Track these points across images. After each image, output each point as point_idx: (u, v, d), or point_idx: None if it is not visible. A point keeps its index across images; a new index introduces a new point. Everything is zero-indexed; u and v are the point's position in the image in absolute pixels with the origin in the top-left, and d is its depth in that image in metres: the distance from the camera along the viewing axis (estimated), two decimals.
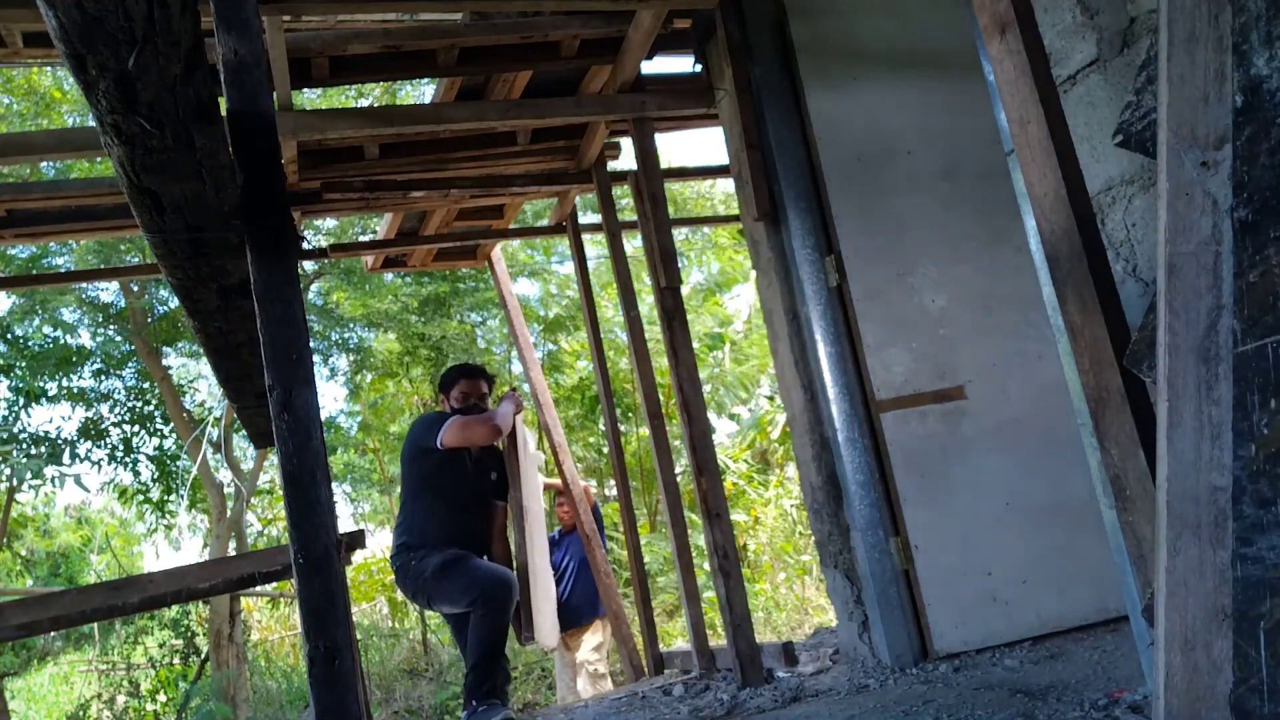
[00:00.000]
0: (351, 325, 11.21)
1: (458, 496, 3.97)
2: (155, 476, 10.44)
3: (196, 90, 1.57)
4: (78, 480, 10.09)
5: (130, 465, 10.28)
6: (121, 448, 10.21)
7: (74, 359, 10.05)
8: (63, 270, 9.48)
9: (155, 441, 10.52)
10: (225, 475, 10.97)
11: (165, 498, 10.50)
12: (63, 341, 10.14)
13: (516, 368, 10.38)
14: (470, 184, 4.71)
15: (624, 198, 5.50)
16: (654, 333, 5.02)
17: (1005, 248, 3.39)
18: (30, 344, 9.72)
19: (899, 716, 2.53)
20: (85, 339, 10.60)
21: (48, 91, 9.17)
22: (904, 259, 3.42)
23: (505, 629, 3.69)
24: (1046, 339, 3.21)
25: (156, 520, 10.66)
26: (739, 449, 10.61)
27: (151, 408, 10.58)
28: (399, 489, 4.20)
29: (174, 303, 9.51)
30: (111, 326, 10.50)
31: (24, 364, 9.46)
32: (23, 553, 12.74)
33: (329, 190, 4.53)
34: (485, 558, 3.97)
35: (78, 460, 9.85)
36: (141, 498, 10.41)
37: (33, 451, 9.64)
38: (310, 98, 9.00)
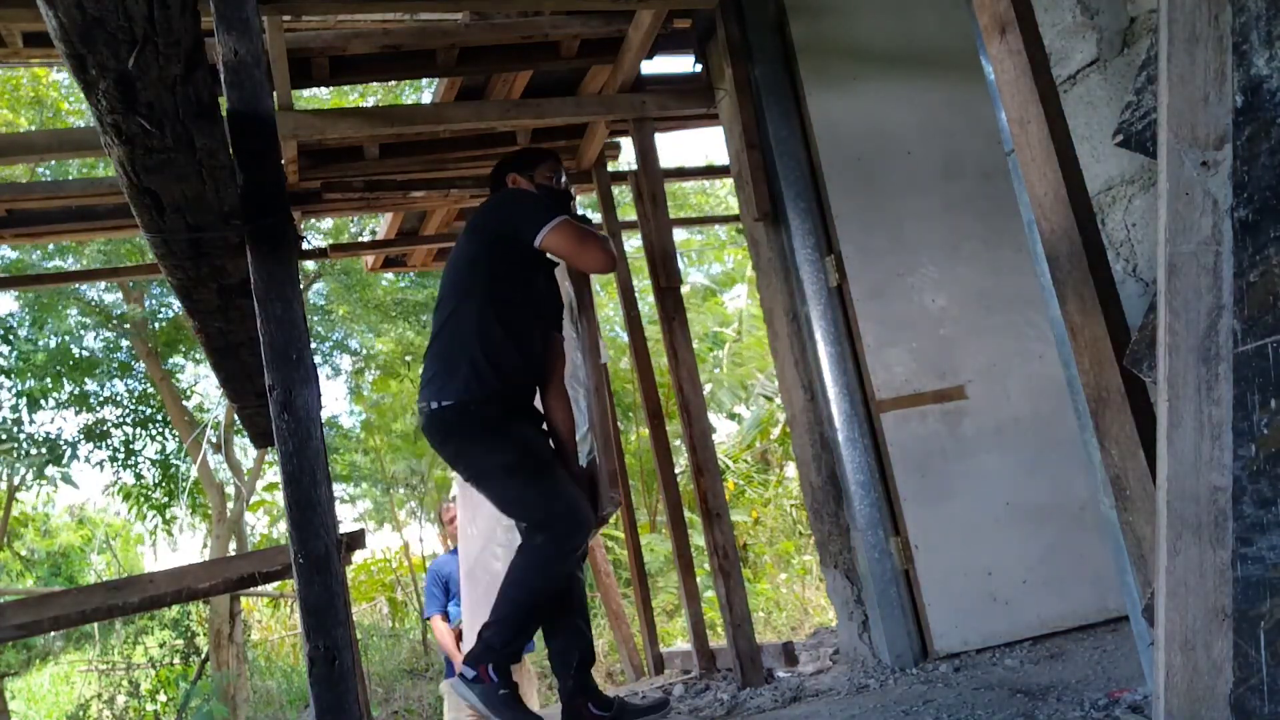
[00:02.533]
0: (353, 327, 11.24)
1: (534, 320, 2.88)
2: (158, 479, 10.46)
3: (196, 90, 1.57)
4: (68, 478, 10.11)
5: (133, 467, 10.30)
6: (123, 450, 10.22)
7: (79, 366, 10.07)
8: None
9: (157, 444, 10.54)
10: (225, 475, 10.98)
11: (167, 500, 10.52)
12: (67, 345, 10.16)
13: None
14: (470, 184, 4.71)
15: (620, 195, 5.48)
16: (654, 333, 5.02)
17: (1005, 248, 3.39)
18: (35, 348, 9.73)
19: (899, 716, 2.53)
20: (89, 341, 10.63)
21: (54, 103, 9.22)
22: (904, 259, 3.42)
23: (560, 579, 2.74)
24: (1046, 339, 3.21)
25: (159, 522, 10.68)
26: (739, 449, 10.62)
27: (153, 410, 10.60)
28: (439, 307, 2.90)
29: (176, 306, 9.53)
30: (114, 330, 10.53)
31: (29, 369, 9.47)
32: (23, 553, 12.75)
33: (329, 190, 4.53)
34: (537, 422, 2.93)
35: (78, 461, 9.87)
36: (145, 499, 10.43)
37: (34, 452, 9.65)
38: (320, 96, 9.04)
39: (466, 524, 3.97)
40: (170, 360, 10.58)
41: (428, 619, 5.04)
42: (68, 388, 10.03)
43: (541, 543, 2.69)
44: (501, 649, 2.69)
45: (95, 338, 10.67)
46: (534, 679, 4.92)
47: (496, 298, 2.79)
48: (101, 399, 10.40)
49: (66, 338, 10.18)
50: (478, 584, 3.85)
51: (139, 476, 10.33)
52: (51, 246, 9.34)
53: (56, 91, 9.22)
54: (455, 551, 4.87)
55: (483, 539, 3.85)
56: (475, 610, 3.91)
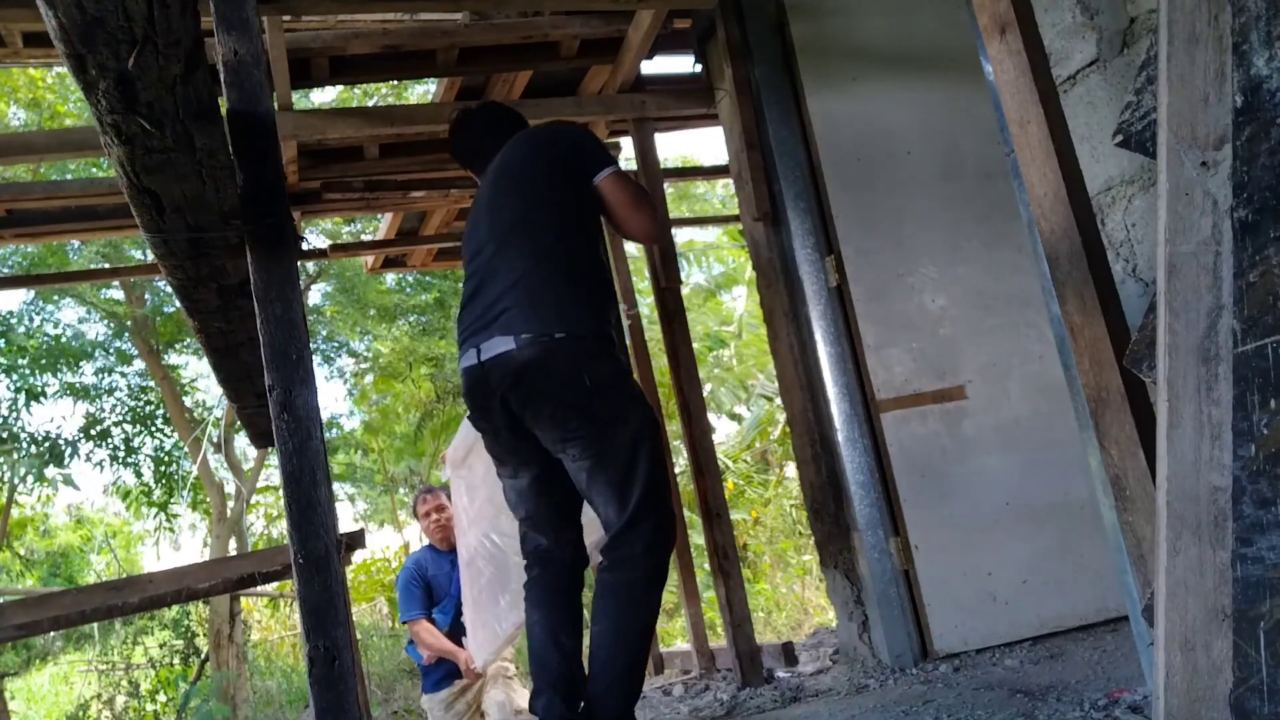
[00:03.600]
0: (351, 331, 11.26)
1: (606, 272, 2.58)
2: (158, 478, 10.47)
3: (196, 90, 1.57)
4: (69, 480, 10.10)
5: (133, 466, 10.31)
6: (122, 448, 10.23)
7: (76, 357, 10.08)
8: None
9: (156, 442, 10.55)
10: (226, 474, 10.99)
11: (167, 499, 10.53)
12: (65, 339, 10.17)
13: None
14: (470, 184, 4.71)
15: None
16: (654, 333, 5.02)
17: (1005, 248, 3.39)
18: (34, 338, 9.75)
19: (899, 716, 2.53)
20: (92, 334, 10.66)
21: (52, 105, 9.25)
22: (904, 259, 3.42)
23: (659, 603, 2.43)
24: (1046, 339, 3.21)
25: (160, 522, 10.68)
26: (739, 449, 10.62)
27: (152, 408, 10.61)
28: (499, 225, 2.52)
29: (177, 303, 9.54)
30: (115, 325, 10.55)
31: (26, 360, 9.48)
32: (22, 552, 12.76)
33: (329, 190, 4.54)
34: None
35: (78, 459, 9.88)
36: (145, 499, 10.44)
37: (33, 451, 9.66)
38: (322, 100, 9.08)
39: (462, 512, 3.86)
40: (172, 356, 10.60)
41: (406, 622, 4.49)
42: (62, 375, 10.04)
43: (640, 553, 2.30)
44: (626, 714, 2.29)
45: (96, 335, 10.70)
46: (515, 679, 4.56)
47: (594, 230, 2.52)
48: (100, 391, 10.41)
49: (63, 326, 10.22)
50: (480, 575, 3.69)
51: (139, 474, 10.34)
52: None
53: (54, 93, 9.24)
54: (433, 548, 4.59)
55: (482, 524, 3.63)
56: (478, 605, 3.77)
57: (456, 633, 4.21)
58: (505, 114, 2.94)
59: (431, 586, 4.50)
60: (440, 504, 4.59)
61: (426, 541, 4.73)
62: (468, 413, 2.64)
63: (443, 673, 4.44)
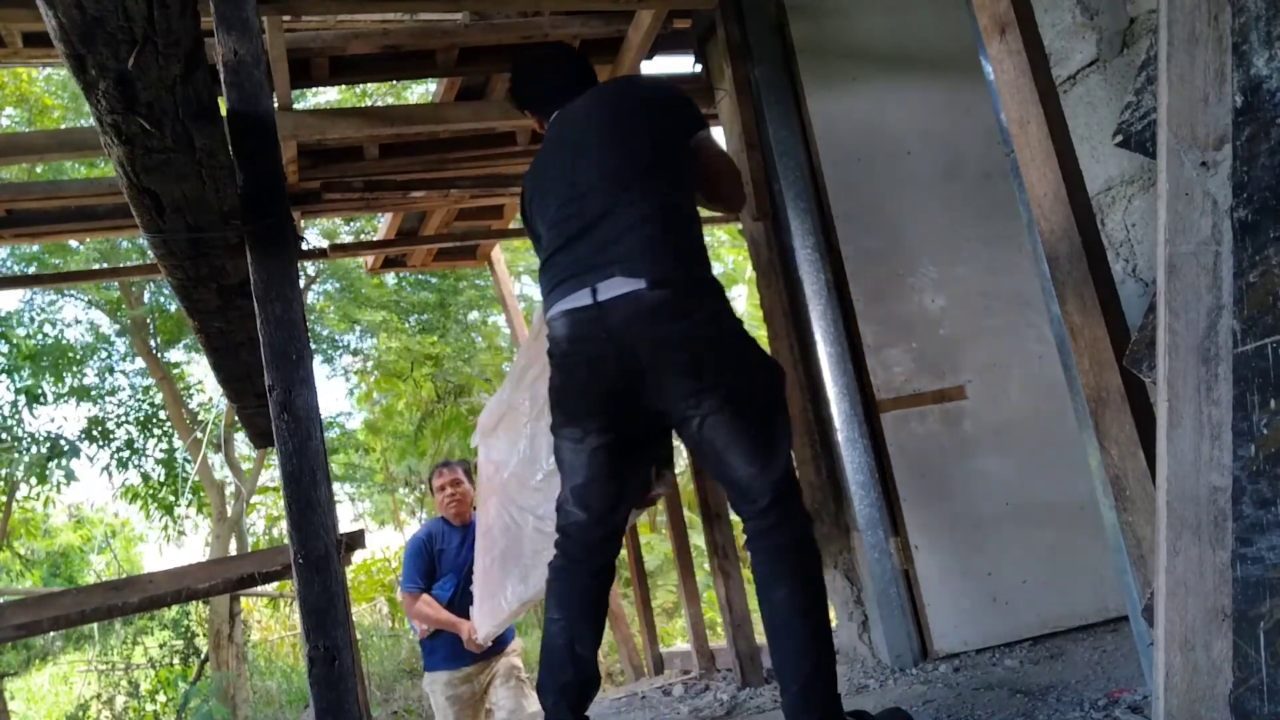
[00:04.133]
0: (354, 328, 11.28)
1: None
2: (163, 479, 10.48)
3: (196, 90, 1.57)
4: (69, 475, 10.08)
5: (138, 467, 10.32)
6: (126, 449, 10.24)
7: (78, 357, 10.09)
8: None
9: (159, 443, 10.57)
10: (226, 474, 11.00)
11: (174, 499, 10.54)
12: (64, 339, 10.18)
13: None
14: (470, 184, 4.72)
15: None
16: None
17: (1005, 248, 3.39)
18: (32, 339, 9.76)
19: None
20: (87, 331, 10.66)
21: (40, 99, 9.26)
22: (904, 259, 3.43)
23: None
24: (1046, 339, 3.21)
25: (167, 523, 10.69)
26: None
27: (155, 408, 10.63)
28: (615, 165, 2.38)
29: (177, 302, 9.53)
30: (117, 325, 10.56)
31: (29, 365, 9.49)
32: (22, 552, 12.76)
33: (329, 190, 4.54)
34: None
35: (78, 459, 9.89)
36: (153, 500, 10.45)
37: (34, 452, 9.66)
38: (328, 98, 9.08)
39: (486, 480, 3.66)
40: (175, 354, 10.61)
41: (405, 593, 4.36)
42: (66, 381, 10.04)
43: (784, 517, 2.17)
44: (836, 695, 2.12)
45: (99, 329, 10.70)
46: (526, 681, 4.40)
47: (692, 188, 2.44)
48: (101, 391, 10.42)
49: (60, 326, 10.22)
50: (494, 546, 3.47)
51: (146, 477, 10.35)
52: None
53: (40, 88, 9.24)
54: (446, 520, 4.47)
55: (503, 495, 3.50)
56: (488, 575, 3.61)
57: (461, 607, 4.11)
58: (587, 62, 2.83)
59: (437, 560, 4.39)
60: (456, 478, 4.47)
61: (438, 514, 4.60)
62: (555, 357, 2.40)
63: (445, 652, 4.31)
